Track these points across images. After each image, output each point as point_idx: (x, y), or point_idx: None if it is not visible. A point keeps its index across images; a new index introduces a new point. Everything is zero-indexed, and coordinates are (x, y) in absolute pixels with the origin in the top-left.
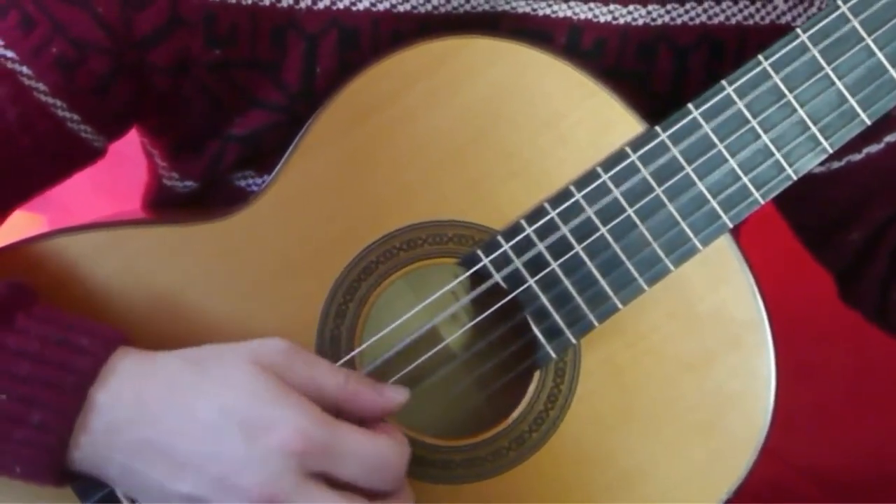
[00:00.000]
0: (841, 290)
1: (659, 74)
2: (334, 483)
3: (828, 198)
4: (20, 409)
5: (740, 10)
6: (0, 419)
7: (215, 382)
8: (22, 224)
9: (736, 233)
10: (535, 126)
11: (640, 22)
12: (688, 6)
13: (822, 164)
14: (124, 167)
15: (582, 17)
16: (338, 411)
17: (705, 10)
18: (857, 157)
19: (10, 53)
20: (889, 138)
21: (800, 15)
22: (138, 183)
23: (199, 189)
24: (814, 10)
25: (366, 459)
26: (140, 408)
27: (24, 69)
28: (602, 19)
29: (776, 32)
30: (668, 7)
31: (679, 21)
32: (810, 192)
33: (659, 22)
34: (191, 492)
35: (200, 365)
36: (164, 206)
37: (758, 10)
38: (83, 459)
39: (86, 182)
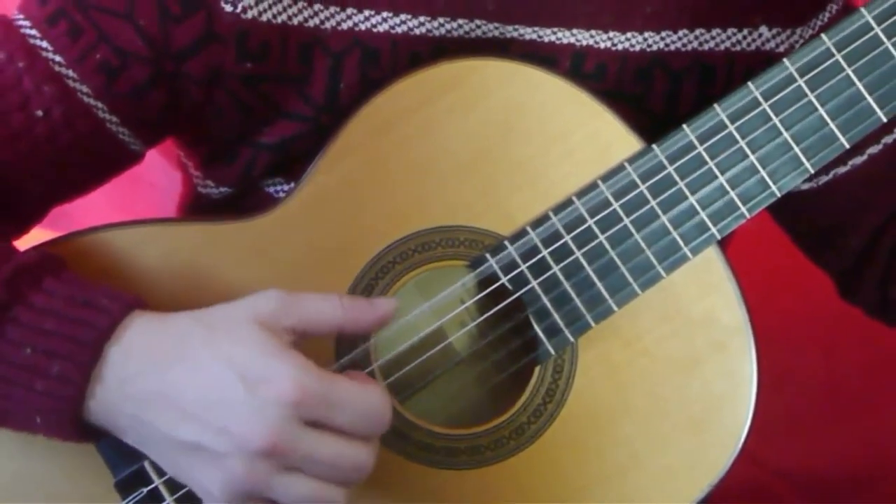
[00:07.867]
0: (841, 291)
1: (655, 96)
2: (330, 430)
3: (821, 211)
4: (42, 361)
5: (728, 38)
6: (23, 371)
7: (221, 338)
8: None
9: (723, 247)
10: (543, 141)
11: (637, 48)
12: (680, 33)
13: (810, 179)
14: (142, 188)
15: (584, 43)
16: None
17: (696, 38)
18: (843, 169)
19: (58, 58)
20: (871, 150)
21: (783, 42)
22: (156, 203)
23: (233, 195)
24: (795, 37)
25: (358, 407)
26: (150, 361)
27: (71, 72)
28: (602, 45)
29: (761, 58)
30: (663, 34)
31: (672, 48)
32: (804, 206)
33: (654, 48)
34: (194, 440)
35: (208, 323)
36: (200, 212)
37: (745, 38)
38: (98, 411)
39: (103, 201)
